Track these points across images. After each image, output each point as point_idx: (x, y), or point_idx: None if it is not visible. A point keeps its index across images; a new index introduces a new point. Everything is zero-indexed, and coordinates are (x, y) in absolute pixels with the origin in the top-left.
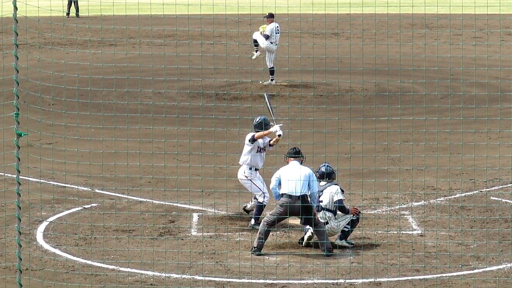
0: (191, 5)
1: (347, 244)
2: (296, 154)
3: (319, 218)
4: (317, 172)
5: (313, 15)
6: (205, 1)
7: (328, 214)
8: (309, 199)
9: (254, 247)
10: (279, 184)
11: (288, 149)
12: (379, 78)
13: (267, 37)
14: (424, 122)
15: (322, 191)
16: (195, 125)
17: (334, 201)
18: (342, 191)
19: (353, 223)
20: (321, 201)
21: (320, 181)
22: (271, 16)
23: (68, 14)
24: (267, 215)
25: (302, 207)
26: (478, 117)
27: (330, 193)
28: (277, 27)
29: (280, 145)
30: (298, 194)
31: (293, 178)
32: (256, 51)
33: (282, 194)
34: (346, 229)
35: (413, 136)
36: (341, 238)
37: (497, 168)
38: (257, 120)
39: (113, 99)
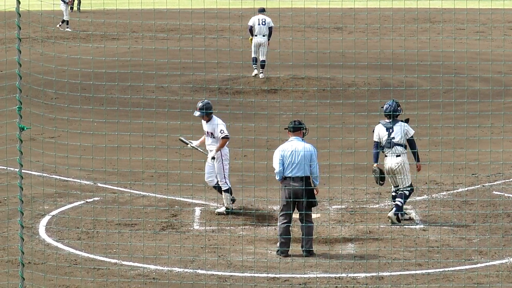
0: None
1: (396, 222)
2: (297, 128)
3: (391, 153)
4: (381, 107)
5: (317, 9)
6: None
7: (400, 148)
8: (311, 181)
9: (280, 251)
10: (282, 165)
11: (289, 122)
12: (383, 73)
13: (251, 30)
14: (428, 117)
15: (392, 127)
16: (198, 120)
17: (408, 137)
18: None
19: (405, 197)
20: (393, 138)
21: (385, 119)
22: (261, 11)
23: (72, 8)
24: (278, 216)
25: (304, 190)
26: (481, 112)
27: (401, 130)
28: (263, 19)
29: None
30: (300, 175)
31: (293, 159)
32: (255, 69)
33: (285, 177)
34: (400, 203)
35: (417, 130)
36: (395, 212)
37: (500, 162)
38: (201, 105)
39: (116, 93)
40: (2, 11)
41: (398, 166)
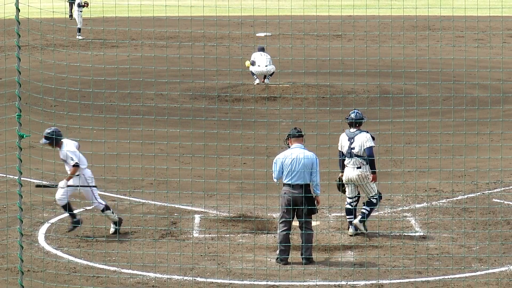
0: (193, 6)
1: (363, 229)
2: (299, 135)
3: (352, 164)
4: (346, 118)
5: (316, 16)
6: (207, 2)
7: (360, 160)
8: (311, 188)
9: (279, 258)
10: (282, 173)
11: (290, 130)
12: (382, 80)
13: (253, 63)
14: (428, 124)
15: (353, 137)
16: (198, 127)
17: (365, 147)
18: (373, 138)
19: (373, 204)
20: (353, 148)
21: (350, 128)
22: (260, 49)
23: (71, 16)
24: (278, 223)
25: (304, 197)
26: (480, 119)
27: (361, 141)
28: (263, 53)
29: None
30: (301, 183)
31: (294, 167)
32: (256, 79)
33: (284, 184)
34: (365, 211)
35: (416, 138)
36: (360, 220)
37: (499, 169)
38: (47, 132)
39: (115, 101)
40: (1, 19)
41: (359, 178)
